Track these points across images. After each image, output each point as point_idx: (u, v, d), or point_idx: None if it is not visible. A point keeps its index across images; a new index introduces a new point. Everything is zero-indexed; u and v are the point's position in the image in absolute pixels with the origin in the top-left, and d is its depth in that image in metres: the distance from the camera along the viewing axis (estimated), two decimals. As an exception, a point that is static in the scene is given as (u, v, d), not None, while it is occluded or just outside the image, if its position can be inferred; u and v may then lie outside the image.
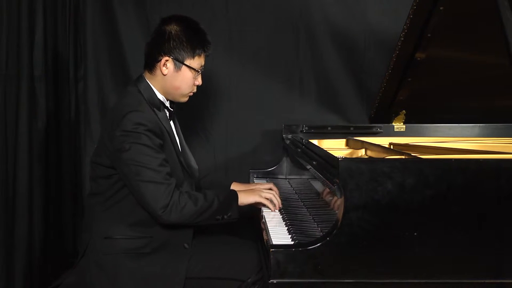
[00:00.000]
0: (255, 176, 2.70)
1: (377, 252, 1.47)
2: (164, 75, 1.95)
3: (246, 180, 2.68)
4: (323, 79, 2.91)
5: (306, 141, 2.29)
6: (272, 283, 1.45)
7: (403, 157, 1.62)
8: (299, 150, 2.23)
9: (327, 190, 1.73)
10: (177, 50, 1.93)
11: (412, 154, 1.71)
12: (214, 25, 2.88)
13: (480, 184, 1.47)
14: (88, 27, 2.86)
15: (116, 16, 2.86)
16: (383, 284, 1.47)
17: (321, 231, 1.71)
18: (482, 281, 1.48)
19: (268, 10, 2.89)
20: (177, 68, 1.95)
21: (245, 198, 1.96)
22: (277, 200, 2.01)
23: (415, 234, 1.46)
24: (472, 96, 2.45)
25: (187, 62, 1.95)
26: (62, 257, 2.66)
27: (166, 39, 1.93)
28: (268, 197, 2.00)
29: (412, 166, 1.47)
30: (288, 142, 2.62)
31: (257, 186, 2.19)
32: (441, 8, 2.07)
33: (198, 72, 1.99)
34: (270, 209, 2.00)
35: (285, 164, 2.71)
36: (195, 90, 2.04)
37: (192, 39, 1.95)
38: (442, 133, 2.65)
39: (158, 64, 1.95)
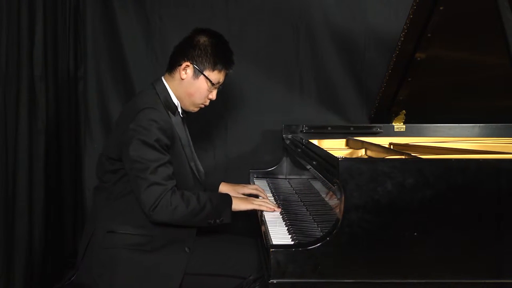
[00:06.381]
0: (255, 176, 2.70)
1: (377, 252, 1.47)
2: (182, 79, 2.01)
3: (246, 180, 2.68)
4: (323, 79, 2.91)
5: (306, 141, 2.29)
6: (272, 283, 1.45)
7: (403, 157, 1.62)
8: (299, 150, 2.23)
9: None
10: (200, 59, 2.00)
11: (412, 154, 1.71)
12: (214, 25, 2.84)
13: (480, 184, 1.47)
14: (88, 27, 2.86)
15: (116, 16, 2.86)
16: (383, 284, 1.47)
17: (321, 231, 1.71)
18: (482, 281, 1.48)
19: (268, 10, 2.89)
20: (195, 76, 2.01)
21: (238, 205, 1.99)
22: (270, 207, 2.02)
23: (415, 234, 1.46)
24: (472, 96, 2.45)
25: (206, 73, 2.01)
26: (62, 257, 2.66)
27: (192, 46, 2.01)
28: (261, 204, 2.03)
29: (412, 166, 1.47)
30: (288, 142, 2.63)
31: (246, 191, 2.29)
32: (441, 8, 2.07)
33: (214, 85, 2.04)
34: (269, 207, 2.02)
35: (285, 164, 2.71)
36: (207, 103, 2.10)
37: (216, 53, 2.02)
38: (442, 133, 2.65)
39: (179, 67, 2.01)
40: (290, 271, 1.45)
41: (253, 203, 2.02)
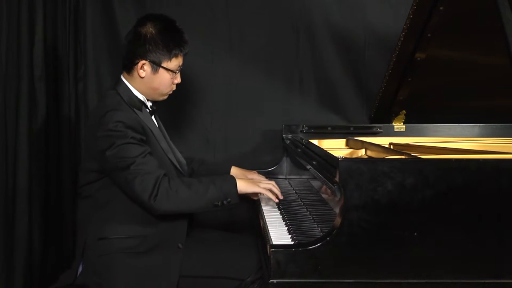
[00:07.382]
0: (255, 176, 2.70)
1: (377, 252, 1.47)
2: (142, 77, 1.95)
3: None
4: (323, 79, 2.91)
5: (306, 141, 2.29)
6: (272, 283, 1.44)
7: (403, 157, 1.62)
8: (299, 150, 2.23)
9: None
10: (154, 54, 1.93)
11: (412, 154, 1.71)
12: (214, 25, 2.88)
13: (480, 184, 1.47)
14: (88, 27, 2.85)
15: (116, 16, 2.85)
16: (383, 284, 1.47)
17: (321, 231, 1.71)
18: (482, 281, 1.47)
19: (268, 10, 2.89)
20: (155, 71, 1.95)
21: (244, 186, 1.90)
22: (277, 190, 1.97)
23: (415, 234, 1.46)
24: (472, 96, 2.45)
25: (164, 64, 1.95)
26: (61, 257, 2.66)
27: (142, 42, 1.93)
28: (267, 188, 1.97)
29: (412, 166, 1.47)
30: (288, 142, 2.62)
31: (256, 177, 2.24)
32: (441, 8, 2.07)
33: (176, 72, 1.99)
34: (270, 198, 1.97)
35: (285, 164, 2.70)
36: (174, 88, 2.05)
37: (168, 41, 1.95)
38: (442, 133, 2.64)
39: (135, 67, 1.95)
40: (290, 271, 1.44)
41: (259, 186, 1.94)
